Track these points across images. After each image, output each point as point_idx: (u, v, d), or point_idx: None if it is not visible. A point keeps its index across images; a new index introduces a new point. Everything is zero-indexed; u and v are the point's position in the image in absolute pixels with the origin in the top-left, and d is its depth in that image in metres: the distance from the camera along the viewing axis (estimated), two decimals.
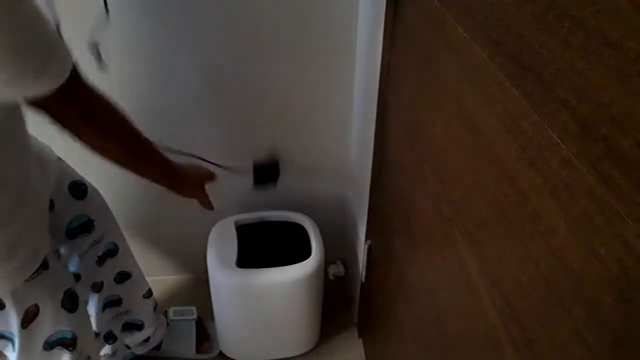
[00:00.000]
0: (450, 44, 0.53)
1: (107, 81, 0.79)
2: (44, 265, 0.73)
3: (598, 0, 0.28)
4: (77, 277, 0.96)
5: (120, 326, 1.14)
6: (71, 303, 0.80)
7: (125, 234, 1.37)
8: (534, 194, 0.37)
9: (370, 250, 1.08)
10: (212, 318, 1.27)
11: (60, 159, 0.89)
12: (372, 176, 0.99)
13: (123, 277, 1.06)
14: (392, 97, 0.83)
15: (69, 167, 0.92)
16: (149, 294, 1.16)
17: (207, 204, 0.95)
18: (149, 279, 1.48)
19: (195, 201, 0.94)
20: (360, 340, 1.34)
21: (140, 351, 1.24)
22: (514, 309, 0.42)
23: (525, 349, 0.40)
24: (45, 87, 0.53)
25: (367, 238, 1.10)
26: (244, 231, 1.22)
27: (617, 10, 0.26)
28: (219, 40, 1.03)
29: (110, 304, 1.08)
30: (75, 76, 0.56)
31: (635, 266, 0.26)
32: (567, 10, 0.31)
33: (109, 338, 1.14)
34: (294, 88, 1.12)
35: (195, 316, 1.32)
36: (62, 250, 0.91)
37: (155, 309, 1.20)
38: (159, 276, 1.51)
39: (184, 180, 0.87)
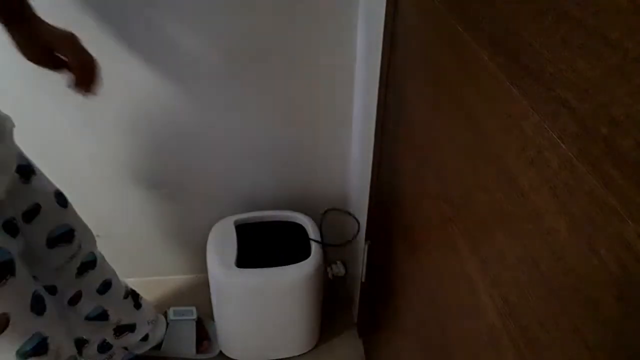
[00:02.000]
0: (450, 44, 0.53)
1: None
2: (11, 271, 0.71)
3: (598, 0, 0.28)
4: (51, 289, 0.93)
5: (112, 332, 1.12)
6: (39, 305, 0.78)
7: (126, 234, 1.37)
8: (534, 194, 0.37)
9: (370, 250, 1.08)
10: (212, 318, 1.27)
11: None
12: (372, 176, 0.99)
13: (106, 286, 1.04)
14: (392, 97, 0.83)
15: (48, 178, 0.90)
16: (126, 293, 1.13)
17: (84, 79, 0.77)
18: (149, 279, 1.49)
19: None
20: (360, 340, 1.34)
21: (140, 350, 1.23)
22: (514, 309, 0.42)
23: (525, 349, 0.40)
24: None
25: (367, 238, 1.10)
26: (243, 231, 1.22)
27: (617, 10, 0.26)
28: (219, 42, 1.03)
29: (95, 318, 1.05)
30: None
31: (635, 266, 0.26)
32: (567, 10, 0.31)
33: (104, 347, 1.12)
34: (293, 87, 1.12)
35: (195, 316, 1.32)
36: (38, 260, 0.89)
37: (137, 305, 1.18)
38: (159, 276, 1.51)
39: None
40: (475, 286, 0.49)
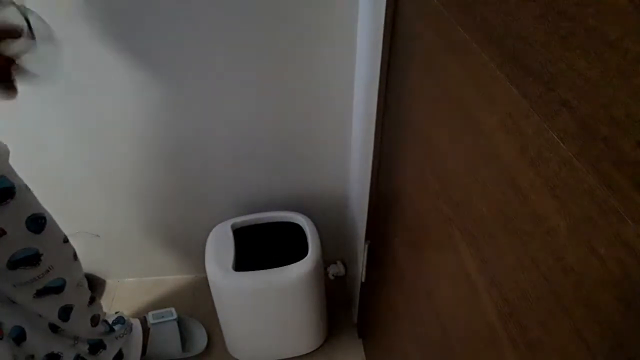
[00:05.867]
0: (451, 44, 0.53)
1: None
2: None
3: (598, 0, 0.28)
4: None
5: (87, 348, 1.10)
6: None
7: (126, 234, 1.37)
8: (534, 194, 0.37)
9: (370, 250, 1.08)
10: (216, 317, 1.27)
11: (28, 188, 0.86)
12: (372, 176, 0.99)
13: (67, 311, 1.01)
14: (392, 97, 0.83)
15: (34, 198, 0.89)
16: (96, 320, 1.10)
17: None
18: (150, 279, 1.49)
19: None
20: (360, 340, 1.34)
21: None
22: (514, 309, 0.42)
23: (525, 349, 0.40)
24: None
25: (367, 238, 1.10)
26: (242, 234, 1.22)
27: (617, 10, 0.26)
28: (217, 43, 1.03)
29: (60, 331, 1.03)
30: None
31: (635, 266, 0.26)
32: (567, 10, 0.31)
33: None
34: (293, 87, 1.12)
35: (175, 316, 1.31)
36: None
37: (109, 329, 1.16)
38: (159, 276, 1.51)
39: None
40: (475, 286, 0.49)
